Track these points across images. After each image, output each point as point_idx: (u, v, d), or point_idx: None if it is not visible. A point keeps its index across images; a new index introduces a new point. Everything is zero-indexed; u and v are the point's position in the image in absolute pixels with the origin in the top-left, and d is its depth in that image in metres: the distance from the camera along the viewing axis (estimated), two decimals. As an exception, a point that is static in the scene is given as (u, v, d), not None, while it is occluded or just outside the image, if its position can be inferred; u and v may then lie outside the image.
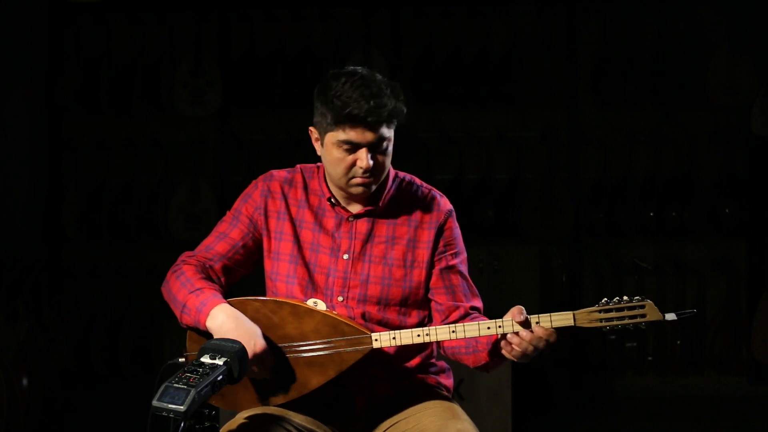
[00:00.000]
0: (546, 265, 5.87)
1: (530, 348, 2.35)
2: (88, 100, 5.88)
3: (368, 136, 2.42)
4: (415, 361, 2.56)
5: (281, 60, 5.86)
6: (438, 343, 2.58)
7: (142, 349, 5.80)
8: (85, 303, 5.93)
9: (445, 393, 2.61)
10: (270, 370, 2.39)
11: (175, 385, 2.13)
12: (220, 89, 5.84)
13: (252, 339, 2.36)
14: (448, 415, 2.46)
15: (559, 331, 2.36)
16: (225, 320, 2.38)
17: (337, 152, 2.44)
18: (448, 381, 2.65)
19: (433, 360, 2.63)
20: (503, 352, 2.39)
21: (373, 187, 2.49)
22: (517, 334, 2.35)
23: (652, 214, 5.76)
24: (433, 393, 2.57)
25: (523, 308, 2.36)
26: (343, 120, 2.40)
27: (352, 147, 2.43)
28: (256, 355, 2.35)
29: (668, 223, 5.75)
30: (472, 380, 4.45)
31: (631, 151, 5.89)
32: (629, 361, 5.79)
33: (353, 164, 2.44)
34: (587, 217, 5.85)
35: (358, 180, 2.45)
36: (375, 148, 2.44)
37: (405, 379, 2.56)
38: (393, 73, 5.83)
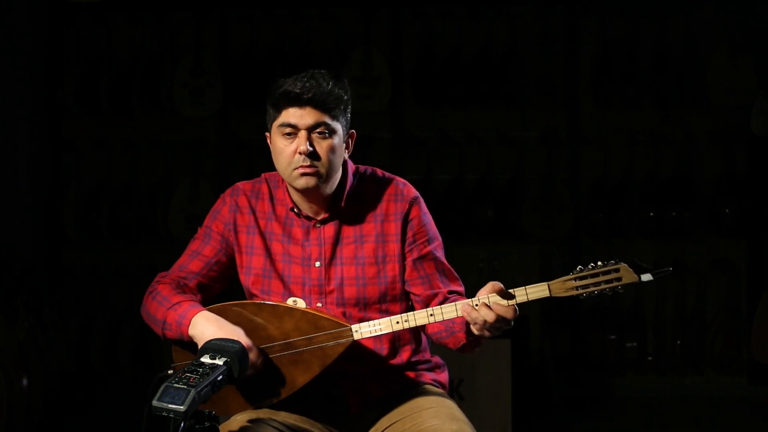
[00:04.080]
0: (546, 265, 5.87)
1: (489, 323, 2.33)
2: (88, 100, 5.88)
3: (306, 118, 2.42)
4: (405, 356, 2.55)
5: (281, 60, 5.86)
6: (423, 330, 2.57)
7: (142, 349, 5.79)
8: (85, 303, 5.93)
9: (441, 390, 2.60)
10: (260, 364, 2.39)
11: (175, 385, 2.13)
12: (220, 89, 5.84)
13: (235, 338, 2.35)
14: (444, 415, 2.45)
15: (540, 302, 2.35)
16: (206, 325, 2.39)
17: (280, 141, 2.45)
18: (443, 377, 2.64)
19: (427, 356, 2.62)
20: (473, 328, 2.37)
21: (320, 181, 2.45)
22: (477, 310, 2.33)
23: (652, 214, 5.76)
24: (428, 392, 2.56)
25: (499, 284, 2.34)
26: (280, 100, 2.43)
27: (292, 131, 2.43)
28: None
29: (668, 223, 5.75)
30: (472, 380, 4.45)
31: (631, 151, 5.89)
32: (629, 361, 5.79)
33: (294, 151, 2.43)
34: (587, 217, 5.85)
35: (300, 169, 2.43)
36: (314, 132, 2.43)
37: (398, 376, 2.55)
38: (393, 73, 5.84)
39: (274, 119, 2.46)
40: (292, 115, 2.43)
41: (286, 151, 2.44)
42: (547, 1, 5.91)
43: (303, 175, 2.43)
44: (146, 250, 5.93)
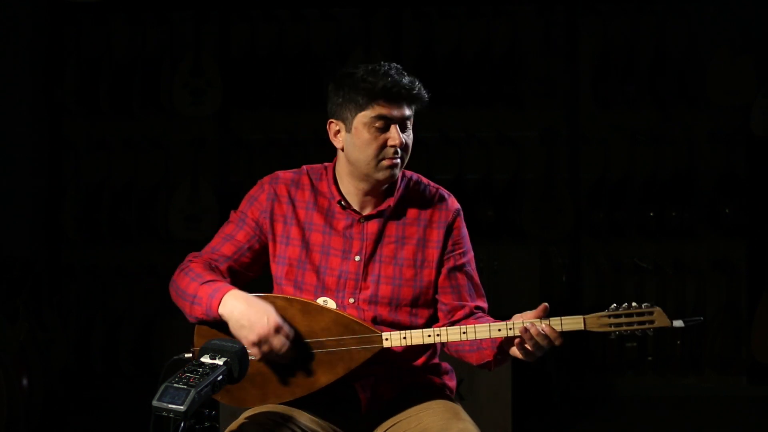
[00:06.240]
0: (546, 265, 5.87)
1: (537, 346, 2.36)
2: (88, 100, 5.88)
3: (401, 111, 2.45)
4: (420, 361, 2.56)
5: (281, 60, 5.86)
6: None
7: (142, 349, 5.80)
8: (85, 303, 5.93)
9: (448, 393, 2.62)
10: (291, 347, 2.37)
11: (175, 385, 2.13)
12: (220, 89, 5.84)
13: (265, 315, 2.36)
14: (450, 415, 2.46)
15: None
16: (236, 304, 2.38)
17: (368, 133, 2.45)
18: (451, 382, 2.65)
19: (437, 361, 2.63)
20: (513, 349, 2.40)
21: (398, 171, 2.49)
22: (527, 330, 2.35)
23: (652, 214, 5.76)
24: (436, 393, 2.57)
25: (547, 306, 2.38)
26: (378, 94, 2.43)
27: (385, 124, 2.45)
28: (271, 330, 2.35)
29: (668, 223, 5.75)
30: (472, 380, 4.45)
31: (631, 151, 5.89)
32: (629, 361, 5.79)
33: (384, 144, 2.45)
34: (587, 217, 5.85)
35: (387, 162, 2.46)
36: (403, 127, 2.47)
37: (410, 378, 2.56)
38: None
39: (362, 110, 2.45)
40: (389, 109, 2.44)
41: (376, 143, 2.45)
42: (547, 1, 5.91)
43: (390, 167, 2.47)
44: (146, 250, 5.94)
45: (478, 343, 2.47)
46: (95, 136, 6.01)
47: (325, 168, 2.60)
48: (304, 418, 2.47)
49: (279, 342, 2.36)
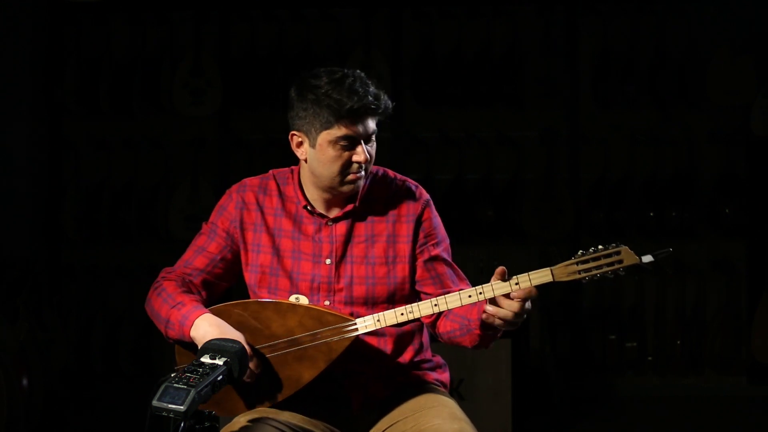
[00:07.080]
0: (546, 265, 5.85)
1: (510, 314, 2.33)
2: (88, 100, 5.88)
3: (366, 128, 2.44)
4: (408, 356, 2.56)
5: (281, 60, 5.86)
6: (434, 331, 2.58)
7: (142, 349, 5.79)
8: (85, 303, 5.93)
9: (442, 389, 2.61)
10: (257, 373, 2.39)
11: (175, 385, 2.13)
12: (220, 89, 5.84)
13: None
14: (445, 414, 2.45)
15: (542, 290, 2.36)
16: (208, 329, 2.38)
17: (333, 150, 2.44)
18: (444, 376, 2.65)
19: (429, 355, 2.62)
20: (487, 320, 2.37)
21: (362, 182, 2.49)
22: (495, 302, 2.34)
23: (652, 214, 5.76)
24: (430, 391, 2.56)
25: (505, 269, 2.36)
26: (344, 115, 2.40)
27: (350, 143, 2.43)
28: None
29: (668, 223, 5.75)
30: (472, 380, 4.45)
31: (631, 151, 5.89)
32: (629, 361, 5.79)
33: (349, 161, 2.44)
34: (587, 217, 5.85)
35: (352, 176, 2.46)
36: (368, 141, 2.46)
37: (401, 376, 2.55)
38: (393, 73, 5.84)
39: (327, 128, 2.43)
40: (354, 130, 2.42)
41: (340, 160, 2.44)
42: (547, 1, 5.91)
43: (354, 180, 2.46)
44: (146, 250, 5.93)
45: (467, 326, 2.46)
46: (95, 136, 6.01)
47: (292, 171, 2.59)
48: (297, 419, 2.47)
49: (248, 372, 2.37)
